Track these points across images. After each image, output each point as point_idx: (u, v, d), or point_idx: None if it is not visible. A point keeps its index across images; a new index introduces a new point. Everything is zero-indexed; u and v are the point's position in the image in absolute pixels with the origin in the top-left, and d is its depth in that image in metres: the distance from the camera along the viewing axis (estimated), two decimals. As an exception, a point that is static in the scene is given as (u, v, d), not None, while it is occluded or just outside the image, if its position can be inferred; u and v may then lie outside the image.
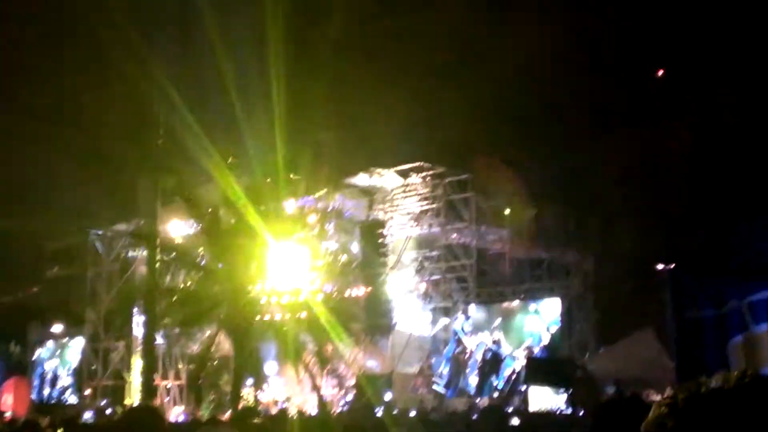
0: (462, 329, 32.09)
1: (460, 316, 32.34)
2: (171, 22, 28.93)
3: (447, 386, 31.57)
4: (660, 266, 25.68)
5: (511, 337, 30.82)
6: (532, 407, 25.44)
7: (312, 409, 28.81)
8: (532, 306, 30.90)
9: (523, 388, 27.58)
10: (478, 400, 30.03)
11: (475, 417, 18.30)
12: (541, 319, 30.36)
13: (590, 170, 32.71)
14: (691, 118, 31.67)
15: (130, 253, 36.68)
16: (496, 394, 29.63)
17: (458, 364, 31.75)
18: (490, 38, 31.36)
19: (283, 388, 32.18)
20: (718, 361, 12.03)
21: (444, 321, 32.63)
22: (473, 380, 31.10)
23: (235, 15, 28.62)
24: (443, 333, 32.88)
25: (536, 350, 29.88)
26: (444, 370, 32.01)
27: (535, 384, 25.45)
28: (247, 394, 27.86)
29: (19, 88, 33.15)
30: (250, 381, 28.40)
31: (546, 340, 29.94)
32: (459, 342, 32.00)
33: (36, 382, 41.17)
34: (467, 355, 31.60)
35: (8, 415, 28.04)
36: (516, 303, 31.61)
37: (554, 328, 29.91)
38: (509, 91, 31.70)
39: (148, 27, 27.69)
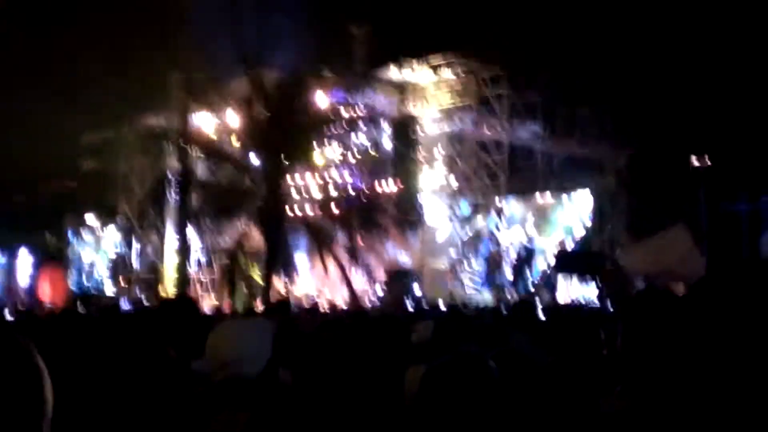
0: (496, 226, 32.07)
1: (493, 214, 32.26)
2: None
3: (484, 283, 31.76)
4: (694, 160, 25.47)
5: (544, 231, 30.79)
6: (561, 299, 25.56)
7: (342, 303, 29.24)
8: (565, 198, 30.74)
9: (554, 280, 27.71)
10: (508, 295, 30.25)
11: (503, 311, 18.45)
12: (574, 213, 30.24)
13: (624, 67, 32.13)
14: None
15: (163, 147, 36.79)
16: (531, 287, 29.79)
17: (494, 261, 31.87)
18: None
19: (314, 281, 32.60)
20: (750, 255, 11.93)
21: (478, 219, 32.55)
22: (509, 275, 31.26)
23: None
24: (476, 229, 32.84)
25: (568, 243, 29.86)
26: (479, 267, 32.14)
27: (564, 273, 25.53)
28: (279, 286, 28.24)
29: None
30: (282, 274, 28.72)
31: (578, 234, 29.89)
32: (493, 239, 32.03)
33: (72, 272, 41.94)
34: (502, 252, 31.68)
35: (48, 306, 28.70)
36: (548, 197, 31.45)
37: (587, 223, 29.83)
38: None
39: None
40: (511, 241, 31.55)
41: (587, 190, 30.77)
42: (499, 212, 32.06)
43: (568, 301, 24.66)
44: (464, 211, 32.94)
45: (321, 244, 26.76)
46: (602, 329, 4.98)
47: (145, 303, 28.75)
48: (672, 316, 2.74)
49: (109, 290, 39.51)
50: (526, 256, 30.98)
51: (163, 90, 33.57)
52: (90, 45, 34.13)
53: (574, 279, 24.62)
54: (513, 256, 31.39)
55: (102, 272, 41.15)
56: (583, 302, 22.95)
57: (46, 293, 37.86)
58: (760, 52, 29.34)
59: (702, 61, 31.33)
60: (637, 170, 30.97)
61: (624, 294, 18.86)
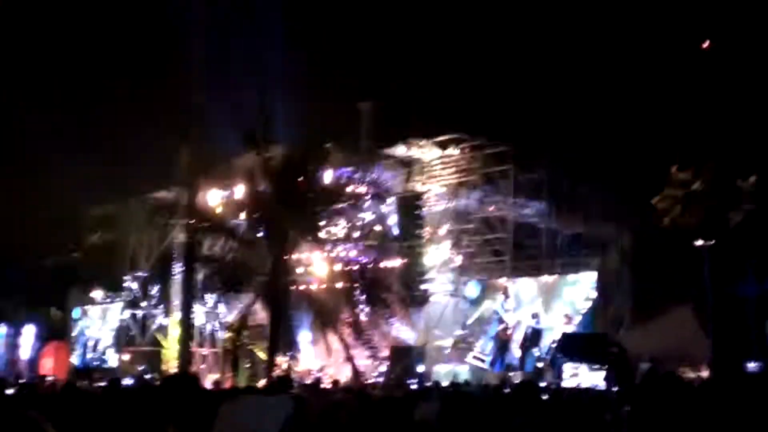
0: (502, 307, 31.91)
1: (500, 295, 32.11)
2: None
3: (492, 363, 31.46)
4: (700, 242, 25.46)
5: (550, 309, 30.63)
6: (567, 383, 25.31)
7: (345, 380, 28.98)
8: (571, 277, 30.66)
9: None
10: (511, 374, 29.96)
11: (507, 390, 18.27)
12: (579, 292, 30.12)
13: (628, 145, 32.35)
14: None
15: (170, 221, 36.94)
16: (540, 364, 29.47)
17: (501, 341, 31.63)
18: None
19: (317, 358, 32.38)
20: (756, 339, 11.83)
21: (487, 303, 32.33)
22: (517, 354, 30.98)
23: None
24: (483, 311, 32.60)
25: (575, 320, 29.64)
26: (488, 347, 31.89)
27: (571, 360, 25.33)
28: (282, 362, 28.05)
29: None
30: (285, 349, 28.55)
31: (583, 313, 29.72)
32: (500, 320, 31.83)
33: (76, 347, 41.78)
34: (510, 332, 31.46)
35: (49, 379, 28.55)
36: (553, 276, 31.37)
37: (591, 302, 29.68)
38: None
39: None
40: (518, 320, 31.37)
41: (593, 272, 30.70)
42: (506, 293, 31.95)
43: (575, 384, 24.45)
44: (472, 294, 32.83)
45: (325, 319, 26.65)
46: (608, 413, 4.95)
47: (147, 378, 28.58)
48: (679, 403, 2.74)
49: (113, 364, 39.29)
50: (533, 336, 30.78)
51: (171, 164, 33.87)
52: (99, 119, 34.62)
53: (581, 365, 24.41)
54: (520, 335, 31.15)
55: (105, 346, 40.97)
56: (588, 386, 22.73)
57: (48, 367, 37.70)
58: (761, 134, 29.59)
59: (700, 136, 31.57)
60: (640, 249, 30.91)
61: (630, 378, 18.67)
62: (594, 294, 29.81)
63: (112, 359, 39.88)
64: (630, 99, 34.32)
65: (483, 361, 31.68)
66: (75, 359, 40.99)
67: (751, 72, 31.58)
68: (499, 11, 34.92)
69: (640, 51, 33.92)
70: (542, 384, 24.89)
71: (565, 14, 35.02)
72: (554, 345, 28.62)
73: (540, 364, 29.46)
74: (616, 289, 31.76)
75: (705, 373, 22.65)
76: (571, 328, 29.55)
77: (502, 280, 32.40)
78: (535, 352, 30.42)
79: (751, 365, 14.69)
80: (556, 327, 30.07)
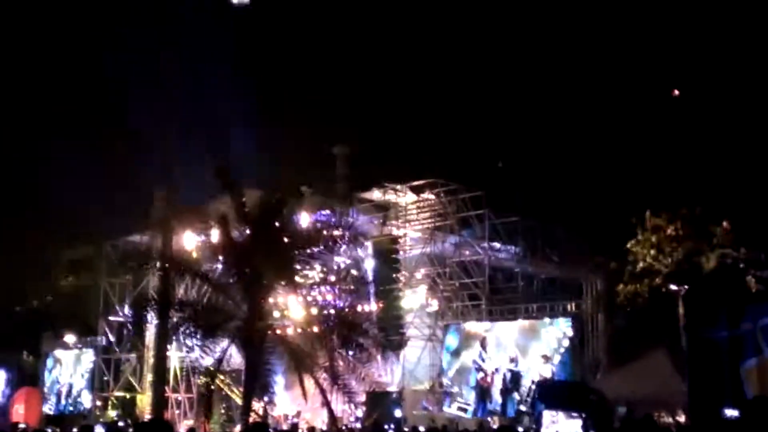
0: (480, 356, 31.89)
1: (477, 344, 32.07)
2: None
3: (475, 412, 31.33)
4: (673, 286, 25.65)
5: (527, 352, 30.61)
6: (547, 431, 25.26)
7: (321, 425, 28.74)
8: (547, 321, 30.72)
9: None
10: (490, 419, 29.87)
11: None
12: (555, 335, 30.15)
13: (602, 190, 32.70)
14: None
15: (144, 265, 36.69)
16: (522, 407, 29.38)
17: (482, 389, 31.55)
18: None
19: (293, 403, 32.11)
20: (731, 384, 11.92)
21: (465, 354, 32.23)
22: (500, 400, 30.89)
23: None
24: (463, 360, 32.48)
25: (554, 359, 29.61)
26: (471, 397, 31.79)
27: (548, 408, 25.31)
28: (258, 408, 27.79)
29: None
30: (260, 394, 28.31)
31: (561, 353, 29.74)
32: (479, 369, 31.77)
33: (48, 393, 41.22)
34: (489, 378, 31.41)
35: (21, 426, 28.11)
36: (530, 321, 31.42)
37: (568, 344, 29.72)
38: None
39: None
40: (496, 366, 31.32)
41: (568, 313, 30.83)
42: (483, 343, 31.94)
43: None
44: (452, 344, 32.80)
45: (300, 364, 26.47)
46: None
47: (120, 424, 28.20)
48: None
49: (85, 410, 38.75)
50: (513, 379, 30.73)
51: (146, 208, 33.74)
52: (71, 162, 34.52)
53: (559, 413, 24.37)
54: (500, 381, 31.07)
55: (78, 392, 40.45)
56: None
57: (20, 414, 37.14)
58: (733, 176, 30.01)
59: (674, 182, 31.95)
60: (614, 293, 31.10)
61: (608, 424, 18.68)
62: (569, 340, 29.88)
63: (86, 404, 39.36)
64: (605, 145, 34.76)
65: (465, 411, 31.57)
66: (48, 406, 40.44)
67: (724, 119, 32.11)
68: (475, 58, 35.34)
69: (614, 98, 34.41)
70: (520, 430, 24.88)
71: (538, 60, 35.51)
72: (534, 387, 28.58)
73: (522, 407, 29.39)
74: (591, 332, 31.88)
75: (682, 418, 22.69)
76: (549, 368, 29.58)
77: (479, 327, 32.39)
78: (516, 396, 30.39)
79: (729, 411, 14.77)
80: (534, 368, 30.09)
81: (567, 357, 29.77)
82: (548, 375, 29.64)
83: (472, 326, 32.82)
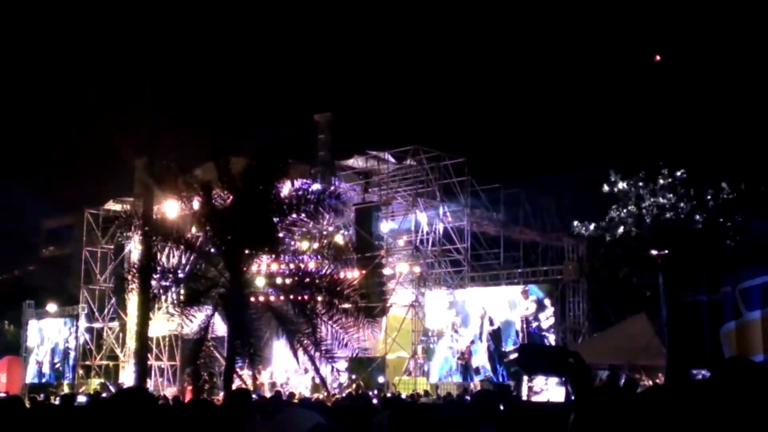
0: (461, 322, 31.86)
1: (458, 314, 31.98)
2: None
3: (463, 376, 31.29)
4: (653, 251, 25.81)
5: (509, 317, 30.61)
6: (526, 394, 25.44)
7: (305, 391, 28.88)
8: (528, 288, 30.77)
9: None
10: (471, 384, 30.05)
11: (468, 399, 18.37)
12: (537, 302, 30.20)
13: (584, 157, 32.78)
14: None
15: (126, 233, 36.56)
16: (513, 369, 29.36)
17: (464, 367, 31.47)
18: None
19: (278, 370, 32.22)
20: (710, 347, 12.00)
21: (446, 314, 32.17)
22: (488, 366, 30.86)
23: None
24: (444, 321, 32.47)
25: (535, 326, 29.65)
26: (454, 363, 31.79)
27: (528, 372, 25.46)
28: (243, 375, 27.87)
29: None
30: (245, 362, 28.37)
31: (541, 322, 29.81)
32: (457, 352, 31.67)
33: (30, 362, 41.15)
34: (467, 354, 31.38)
35: (2, 395, 28.06)
36: (512, 287, 31.48)
37: (550, 311, 29.81)
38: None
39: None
40: (471, 339, 31.27)
41: (550, 279, 30.93)
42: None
43: (534, 396, 24.55)
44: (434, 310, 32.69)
45: (284, 331, 26.52)
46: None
47: (103, 394, 28.21)
48: (632, 416, 2.78)
49: (67, 379, 38.74)
50: (494, 338, 30.63)
51: (127, 175, 33.55)
52: (52, 129, 34.23)
53: (539, 377, 24.51)
54: (484, 347, 31.02)
55: (60, 361, 40.38)
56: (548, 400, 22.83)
57: (2, 383, 37.09)
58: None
59: (655, 149, 32.05)
60: (596, 259, 31.30)
61: (588, 387, 18.75)
62: (551, 305, 29.98)
63: (68, 373, 39.33)
64: (588, 112, 34.79)
65: (454, 375, 31.59)
66: (30, 375, 40.38)
67: (704, 82, 32.16)
68: (457, 26, 35.16)
69: (596, 63, 34.37)
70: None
71: (521, 27, 35.38)
72: (514, 355, 28.66)
73: (513, 369, 29.35)
74: (573, 298, 32.06)
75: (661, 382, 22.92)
76: (529, 334, 29.66)
77: (461, 292, 32.41)
78: (502, 351, 30.21)
79: (700, 372, 14.95)
80: (515, 325, 30.07)
81: (548, 322, 29.90)
82: (528, 340, 29.79)
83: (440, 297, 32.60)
